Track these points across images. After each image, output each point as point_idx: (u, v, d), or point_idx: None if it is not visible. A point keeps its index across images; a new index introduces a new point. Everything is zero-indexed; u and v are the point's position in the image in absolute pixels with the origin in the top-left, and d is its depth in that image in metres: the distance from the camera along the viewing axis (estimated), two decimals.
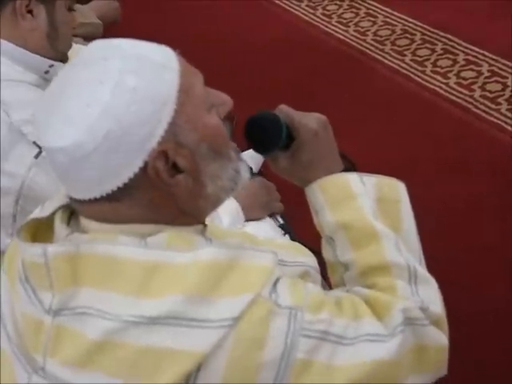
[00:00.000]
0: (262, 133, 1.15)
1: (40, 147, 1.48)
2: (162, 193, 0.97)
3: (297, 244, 1.58)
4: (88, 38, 2.74)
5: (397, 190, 1.17)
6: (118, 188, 0.95)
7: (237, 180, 1.05)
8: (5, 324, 1.03)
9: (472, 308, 1.99)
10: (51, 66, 1.62)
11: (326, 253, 1.16)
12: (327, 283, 1.71)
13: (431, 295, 1.08)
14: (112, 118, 0.91)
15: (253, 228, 1.56)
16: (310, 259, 1.46)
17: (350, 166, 1.20)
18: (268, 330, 0.92)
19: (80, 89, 0.94)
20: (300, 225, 2.32)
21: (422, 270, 1.11)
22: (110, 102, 0.91)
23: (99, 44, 0.99)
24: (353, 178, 1.14)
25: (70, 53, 1.71)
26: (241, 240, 1.19)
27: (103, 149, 0.92)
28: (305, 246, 1.60)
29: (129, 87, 0.92)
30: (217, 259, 0.93)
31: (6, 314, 1.03)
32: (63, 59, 1.65)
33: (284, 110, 1.17)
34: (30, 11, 1.56)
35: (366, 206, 1.12)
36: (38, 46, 1.59)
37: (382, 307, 1.02)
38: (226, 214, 1.70)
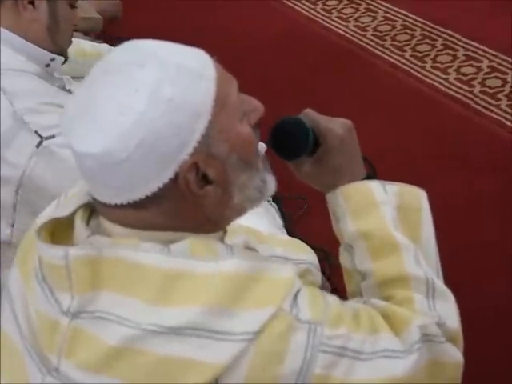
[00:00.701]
0: (290, 138, 1.13)
1: (42, 136, 1.47)
2: (190, 203, 0.95)
3: (298, 241, 1.58)
4: (88, 33, 2.74)
5: (418, 198, 1.16)
6: (146, 197, 0.93)
7: (263, 190, 1.03)
8: (18, 319, 1.02)
9: (472, 304, 1.99)
10: (52, 59, 1.62)
11: (344, 260, 1.14)
12: (327, 279, 1.71)
13: (448, 310, 1.07)
14: (146, 127, 0.89)
15: (253, 223, 1.55)
16: (311, 256, 1.46)
17: (371, 171, 1.18)
18: (288, 344, 0.92)
19: (113, 95, 0.91)
20: (301, 221, 2.33)
21: (440, 284, 1.10)
22: (144, 112, 0.89)
23: (132, 47, 0.96)
24: (376, 185, 1.13)
25: (72, 48, 1.71)
26: (246, 236, 1.19)
27: (135, 158, 0.90)
28: (304, 241, 1.60)
29: (165, 97, 0.90)
30: (240, 271, 0.92)
31: (18, 308, 1.02)
32: (63, 54, 1.65)
33: (310, 115, 1.15)
34: (31, 2, 1.56)
35: (388, 216, 1.10)
36: (38, 38, 1.59)
37: (399, 322, 1.02)
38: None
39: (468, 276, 2.11)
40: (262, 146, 1.18)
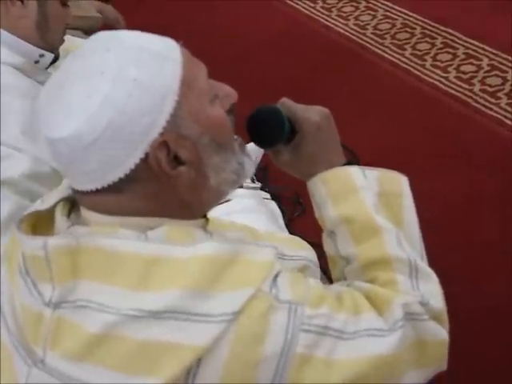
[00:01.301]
0: (265, 127, 1.14)
1: None
2: (165, 185, 0.97)
3: (296, 238, 1.58)
4: (88, 32, 2.74)
5: (399, 183, 1.17)
6: (120, 179, 0.95)
7: (240, 173, 1.05)
8: (4, 315, 1.03)
9: (472, 303, 1.99)
10: (41, 55, 1.60)
11: (327, 246, 1.15)
12: (326, 277, 1.71)
13: (432, 290, 1.08)
14: (112, 108, 0.91)
15: (251, 221, 1.55)
16: (309, 253, 1.46)
17: (353, 159, 1.19)
18: (268, 324, 0.92)
19: (81, 79, 0.94)
20: (298, 218, 2.34)
21: (423, 265, 1.10)
22: (110, 93, 0.91)
23: (101, 35, 0.99)
24: (355, 171, 1.14)
25: (68, 46, 1.70)
26: (242, 233, 1.19)
27: (104, 139, 0.92)
28: (303, 239, 1.60)
29: (130, 78, 0.92)
30: (217, 254, 0.93)
31: (5, 305, 1.03)
32: (54, 51, 1.64)
33: (286, 104, 1.17)
34: None
35: (368, 200, 1.11)
36: (27, 35, 1.58)
37: (382, 302, 1.02)
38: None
39: (467, 274, 2.11)
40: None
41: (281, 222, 2.10)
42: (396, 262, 1.08)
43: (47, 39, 1.61)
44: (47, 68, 1.64)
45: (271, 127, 1.14)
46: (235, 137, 1.05)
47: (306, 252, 1.46)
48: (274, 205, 2.21)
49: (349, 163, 1.17)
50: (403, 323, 1.00)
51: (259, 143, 1.17)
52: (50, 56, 1.63)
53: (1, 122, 1.47)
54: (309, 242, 1.58)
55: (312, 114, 1.15)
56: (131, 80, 0.92)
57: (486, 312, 2.01)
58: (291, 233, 1.93)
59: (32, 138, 1.42)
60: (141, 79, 0.92)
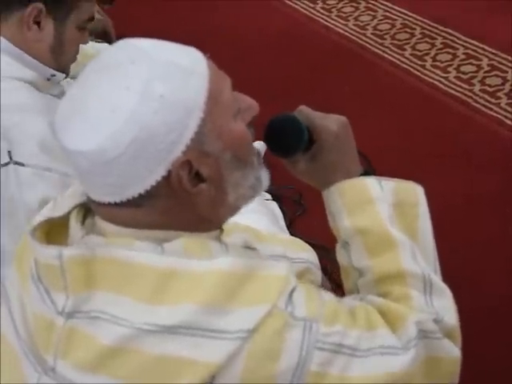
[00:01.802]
0: (283, 136, 1.13)
1: (11, 159, 1.45)
2: (183, 201, 0.95)
3: (298, 240, 1.58)
4: (89, 33, 2.73)
5: (415, 194, 1.16)
6: (140, 195, 0.93)
7: (257, 188, 1.04)
8: (14, 321, 1.02)
9: (472, 303, 1.99)
10: (53, 75, 1.59)
11: (341, 257, 1.14)
12: (327, 278, 1.71)
13: (446, 306, 1.08)
14: (137, 125, 0.89)
15: (253, 222, 1.55)
16: (311, 255, 1.46)
17: (368, 167, 1.18)
18: (283, 342, 0.92)
19: (105, 93, 0.91)
20: (299, 220, 2.33)
21: (437, 280, 1.10)
22: (136, 110, 0.89)
23: (123, 46, 0.96)
24: (371, 182, 1.13)
25: (84, 49, 1.68)
26: (246, 234, 1.19)
27: (127, 156, 0.90)
28: (304, 240, 1.60)
29: (156, 95, 0.90)
30: (233, 269, 0.92)
31: (15, 309, 1.02)
32: (65, 71, 1.62)
33: (304, 112, 1.15)
34: (37, 22, 1.52)
35: (384, 212, 1.10)
36: (41, 57, 1.56)
37: (396, 318, 1.02)
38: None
39: (468, 274, 2.11)
40: (262, 145, 1.18)
41: (282, 223, 2.10)
42: (410, 277, 1.07)
43: (61, 62, 1.59)
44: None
45: (290, 137, 1.13)
46: (254, 150, 1.04)
47: (308, 254, 1.46)
48: (275, 205, 2.22)
49: (365, 172, 1.16)
50: (417, 342, 1.00)
51: (277, 152, 1.15)
52: (61, 76, 1.61)
53: (22, 143, 1.46)
54: (310, 244, 1.58)
55: (330, 123, 1.14)
56: (157, 96, 0.90)
57: (486, 312, 2.01)
58: (292, 234, 1.94)
59: (51, 155, 1.42)
60: (167, 95, 0.90)
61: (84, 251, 0.94)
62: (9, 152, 1.45)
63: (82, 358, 0.92)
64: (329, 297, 1.01)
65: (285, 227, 2.05)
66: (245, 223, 1.40)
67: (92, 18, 1.60)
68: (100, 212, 0.99)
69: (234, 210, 1.03)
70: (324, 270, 1.52)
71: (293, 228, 2.19)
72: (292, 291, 0.95)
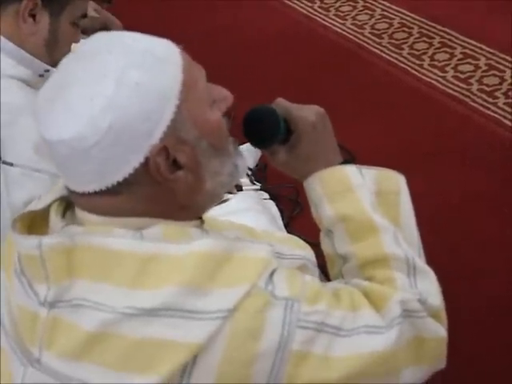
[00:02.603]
0: (260, 127, 1.14)
1: (0, 158, 1.44)
2: (162, 188, 0.96)
3: (294, 237, 1.58)
4: (85, 31, 2.73)
5: (396, 182, 1.17)
6: (118, 182, 0.95)
7: (235, 175, 1.05)
8: (1, 315, 1.03)
9: (469, 301, 2.00)
10: (46, 70, 1.59)
11: (325, 245, 1.15)
12: (325, 276, 1.71)
13: (430, 287, 1.08)
14: (114, 112, 0.91)
15: (250, 221, 1.55)
16: (307, 252, 1.46)
17: (349, 158, 1.19)
18: (264, 320, 0.92)
19: (83, 81, 0.93)
20: (295, 218, 2.34)
21: (421, 262, 1.11)
22: (113, 96, 0.91)
23: (102, 37, 0.99)
24: (352, 170, 1.14)
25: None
26: (239, 232, 1.19)
27: (105, 143, 0.91)
28: (301, 238, 1.60)
29: (132, 82, 0.92)
30: (213, 250, 0.93)
31: (1, 305, 1.03)
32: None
33: (281, 104, 1.17)
34: (33, 15, 1.52)
35: (365, 199, 1.11)
36: (35, 51, 1.56)
37: (379, 299, 1.02)
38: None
39: (465, 273, 2.11)
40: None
41: (279, 222, 2.10)
42: (393, 260, 1.08)
43: (54, 56, 1.59)
44: None
45: (266, 127, 1.14)
46: (230, 138, 1.05)
47: (304, 251, 1.46)
48: (272, 204, 2.22)
49: (345, 162, 1.16)
50: (401, 320, 1.01)
51: (255, 143, 1.17)
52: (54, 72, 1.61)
53: (12, 143, 1.45)
54: (307, 242, 1.58)
55: (307, 114, 1.15)
56: (134, 83, 0.92)
57: (483, 310, 2.01)
58: (290, 232, 1.94)
59: (43, 156, 1.41)
60: (143, 83, 0.92)
61: (63, 239, 0.95)
62: None
63: (65, 347, 0.93)
64: (312, 279, 1.02)
65: (282, 226, 2.05)
66: (241, 222, 1.41)
67: (85, 15, 1.61)
68: (80, 202, 1.00)
69: (213, 197, 1.05)
70: (321, 267, 1.51)
71: (290, 227, 2.19)
72: (273, 272, 0.95)
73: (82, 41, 1.75)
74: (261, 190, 2.21)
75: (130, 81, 0.92)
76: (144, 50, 0.95)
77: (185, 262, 0.92)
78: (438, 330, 1.06)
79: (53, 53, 1.58)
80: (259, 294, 0.93)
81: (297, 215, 2.34)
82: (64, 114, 0.93)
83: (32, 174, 1.45)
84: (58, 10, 1.55)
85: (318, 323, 0.95)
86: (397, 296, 1.02)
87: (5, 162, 1.45)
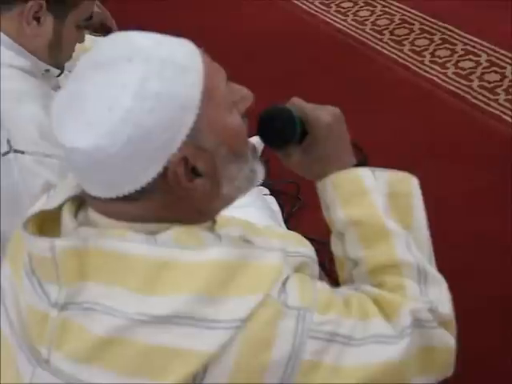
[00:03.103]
0: (276, 128, 1.12)
1: (11, 147, 1.44)
2: (179, 196, 0.95)
3: (295, 233, 1.57)
4: (87, 27, 2.72)
5: (409, 184, 1.15)
6: (136, 191, 0.93)
7: (252, 180, 1.04)
8: (8, 314, 1.02)
9: (470, 297, 1.99)
10: (47, 70, 1.58)
11: (335, 247, 1.14)
12: (325, 273, 1.71)
13: (440, 296, 1.07)
14: (134, 123, 0.89)
15: (251, 216, 1.55)
16: (308, 249, 1.46)
17: (362, 157, 1.18)
18: (276, 330, 0.92)
19: (101, 91, 0.91)
20: (296, 215, 2.34)
21: (432, 270, 1.10)
22: (132, 107, 0.89)
23: (120, 42, 0.96)
24: (365, 173, 1.13)
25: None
26: (241, 228, 1.19)
27: (123, 154, 0.90)
28: (301, 235, 1.60)
29: (152, 93, 0.90)
30: (226, 259, 0.93)
31: (9, 304, 1.02)
32: (60, 68, 1.61)
33: (297, 103, 1.15)
34: (37, 18, 1.51)
35: (378, 202, 1.10)
36: (37, 52, 1.55)
37: (390, 307, 1.02)
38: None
39: (466, 269, 2.11)
40: (258, 141, 1.18)
41: (279, 218, 2.10)
42: (405, 267, 1.07)
43: (57, 59, 1.58)
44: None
45: (283, 129, 1.12)
46: (249, 143, 1.03)
47: (305, 248, 1.45)
48: (272, 200, 2.21)
49: (358, 161, 1.15)
50: (411, 330, 1.00)
51: (269, 144, 1.15)
52: (55, 72, 1.60)
53: (19, 130, 1.45)
54: (307, 238, 1.58)
55: (323, 114, 1.13)
56: (153, 94, 0.89)
57: (483, 307, 2.01)
58: (290, 228, 1.93)
59: (50, 141, 1.41)
60: (163, 93, 0.90)
61: (76, 242, 0.94)
62: (8, 141, 1.45)
63: (75, 350, 0.92)
64: (323, 286, 1.01)
65: (282, 222, 2.05)
66: (242, 217, 1.40)
67: (91, 17, 1.60)
68: (94, 205, 0.98)
69: (228, 201, 1.04)
70: (321, 265, 1.51)
71: (290, 223, 2.19)
72: (285, 280, 0.95)
73: (87, 36, 1.74)
74: (261, 185, 2.21)
75: (149, 92, 0.89)
76: (164, 58, 0.92)
77: (198, 269, 0.92)
78: (448, 340, 1.05)
79: (56, 55, 1.58)
80: (272, 303, 0.92)
81: (296, 211, 2.35)
82: (81, 123, 0.91)
83: (43, 160, 1.45)
84: (62, 13, 1.54)
85: (329, 333, 0.95)
86: (408, 305, 1.02)
87: (16, 151, 1.45)
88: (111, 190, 0.94)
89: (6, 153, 1.45)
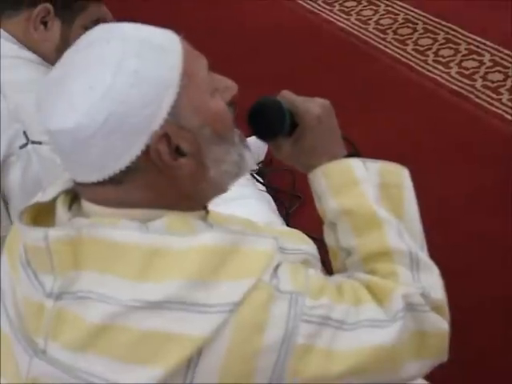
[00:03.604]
0: (265, 120, 1.14)
1: (28, 139, 1.45)
2: (165, 176, 0.97)
3: (296, 231, 1.57)
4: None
5: (400, 175, 1.17)
6: (121, 171, 0.95)
7: (241, 165, 1.05)
8: (6, 307, 1.03)
9: (472, 297, 1.99)
10: None
11: (328, 238, 1.16)
12: (327, 270, 1.71)
13: (433, 281, 1.08)
14: (113, 100, 0.92)
15: (252, 209, 1.55)
16: (310, 246, 1.45)
17: (353, 150, 1.19)
18: (268, 314, 0.93)
19: (83, 71, 0.94)
20: (298, 211, 2.33)
21: (424, 256, 1.11)
22: (111, 85, 0.92)
23: (102, 27, 1.00)
24: (356, 163, 1.14)
25: None
26: (242, 226, 1.19)
27: (105, 131, 0.92)
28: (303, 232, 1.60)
29: (130, 70, 0.92)
30: (217, 244, 0.94)
31: (7, 297, 1.03)
32: None
33: (287, 96, 1.17)
34: (44, 22, 1.52)
35: (369, 192, 1.11)
36: (45, 55, 1.56)
37: (382, 292, 1.03)
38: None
39: (467, 268, 2.11)
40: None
41: (277, 213, 2.10)
42: (397, 253, 1.08)
43: None
44: None
45: (272, 120, 1.14)
46: (235, 129, 1.05)
47: (307, 245, 1.45)
48: (269, 197, 2.21)
49: (350, 155, 1.16)
50: (403, 314, 1.01)
51: (260, 136, 1.17)
52: None
53: (32, 120, 1.44)
54: (308, 236, 1.58)
55: (313, 106, 1.15)
56: (132, 71, 0.92)
57: (485, 305, 2.01)
58: (290, 227, 1.93)
59: None
60: (141, 71, 0.93)
61: (69, 232, 0.95)
62: (24, 133, 1.45)
63: (71, 339, 0.94)
64: (316, 273, 1.02)
65: (281, 217, 2.05)
66: (243, 210, 1.41)
67: (99, 20, 1.60)
68: (85, 194, 1.00)
69: (218, 186, 1.05)
70: (322, 262, 1.51)
71: (291, 221, 2.18)
72: (277, 266, 0.96)
73: None
74: (263, 185, 2.21)
75: (128, 69, 0.92)
76: (143, 38, 0.96)
77: (190, 255, 0.93)
78: (441, 324, 1.06)
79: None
80: (264, 287, 0.93)
81: (298, 209, 2.34)
82: (64, 103, 0.93)
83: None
84: (70, 18, 1.54)
85: (322, 317, 0.96)
86: (400, 290, 1.03)
87: (34, 142, 1.46)
88: (97, 171, 0.95)
89: (25, 145, 1.46)
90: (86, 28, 1.57)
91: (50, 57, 1.56)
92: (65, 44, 1.54)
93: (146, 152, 0.94)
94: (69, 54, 0.99)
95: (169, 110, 0.94)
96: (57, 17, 1.53)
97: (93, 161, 0.95)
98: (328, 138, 1.15)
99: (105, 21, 1.59)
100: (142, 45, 0.95)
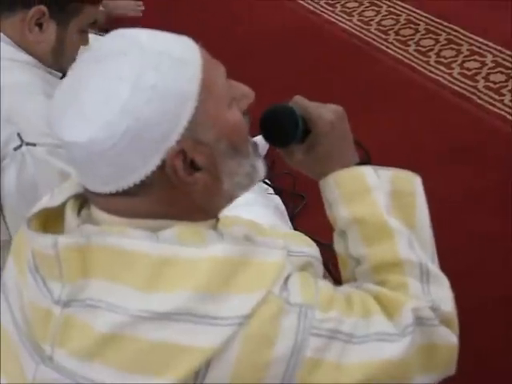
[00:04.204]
0: (278, 127, 1.12)
1: (22, 141, 1.45)
2: (179, 190, 0.96)
3: (300, 234, 1.57)
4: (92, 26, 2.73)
5: (412, 182, 1.15)
6: (135, 184, 0.94)
7: (253, 176, 1.04)
8: (12, 311, 1.02)
9: (473, 297, 1.99)
10: (49, 72, 1.58)
11: (338, 246, 1.14)
12: (329, 274, 1.71)
13: (442, 294, 1.07)
14: (131, 115, 0.90)
15: (256, 214, 1.55)
16: (313, 249, 1.46)
17: (365, 156, 1.18)
18: (278, 327, 0.92)
19: (98, 84, 0.92)
20: (300, 216, 2.33)
21: (435, 268, 1.10)
22: (129, 100, 0.90)
23: (117, 36, 0.97)
24: (368, 171, 1.13)
25: None
26: (247, 228, 1.19)
27: (121, 146, 0.90)
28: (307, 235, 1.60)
29: (148, 85, 0.90)
30: (228, 256, 0.93)
31: (13, 301, 1.03)
32: (62, 71, 1.61)
33: (299, 102, 1.15)
34: (39, 24, 1.52)
35: (381, 201, 1.10)
36: (40, 57, 1.56)
37: (392, 305, 1.02)
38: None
39: (468, 269, 2.11)
40: (262, 143, 1.18)
41: (286, 217, 2.09)
42: (407, 265, 1.07)
43: (60, 63, 1.58)
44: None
45: (285, 127, 1.12)
46: (250, 139, 1.04)
47: (310, 248, 1.45)
48: (278, 199, 2.21)
49: (361, 159, 1.15)
50: (413, 328, 1.00)
51: (273, 143, 1.15)
52: (57, 75, 1.60)
53: (27, 122, 1.45)
54: (312, 239, 1.58)
55: (326, 113, 1.13)
56: (150, 87, 0.90)
57: (486, 306, 2.00)
58: (294, 229, 1.93)
59: None
60: (159, 86, 0.90)
61: (79, 239, 0.94)
62: (18, 134, 1.45)
63: (78, 347, 0.93)
64: (325, 284, 1.01)
65: (288, 221, 2.05)
66: (248, 216, 1.40)
67: (96, 22, 1.59)
68: (96, 201, 0.99)
69: (229, 198, 1.03)
70: (325, 265, 1.51)
71: (294, 223, 2.18)
72: (287, 278, 0.95)
73: (92, 36, 1.74)
74: (266, 183, 2.20)
75: (145, 84, 0.90)
76: (161, 51, 0.93)
77: (200, 266, 0.92)
78: (450, 338, 1.05)
79: (59, 59, 1.57)
80: (274, 300, 0.93)
81: (301, 213, 2.34)
82: (78, 116, 0.92)
83: (55, 151, 1.45)
84: (65, 20, 1.54)
85: (331, 330, 0.95)
86: (410, 303, 1.02)
87: (28, 144, 1.45)
88: (110, 184, 0.94)
89: (19, 146, 1.45)
90: (82, 30, 1.57)
91: (46, 59, 1.56)
92: (60, 46, 1.55)
93: (162, 167, 0.93)
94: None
95: (186, 125, 0.92)
96: (52, 19, 1.52)
97: (107, 173, 0.93)
98: (341, 144, 1.14)
99: (101, 21, 1.59)
100: (160, 57, 0.92)
